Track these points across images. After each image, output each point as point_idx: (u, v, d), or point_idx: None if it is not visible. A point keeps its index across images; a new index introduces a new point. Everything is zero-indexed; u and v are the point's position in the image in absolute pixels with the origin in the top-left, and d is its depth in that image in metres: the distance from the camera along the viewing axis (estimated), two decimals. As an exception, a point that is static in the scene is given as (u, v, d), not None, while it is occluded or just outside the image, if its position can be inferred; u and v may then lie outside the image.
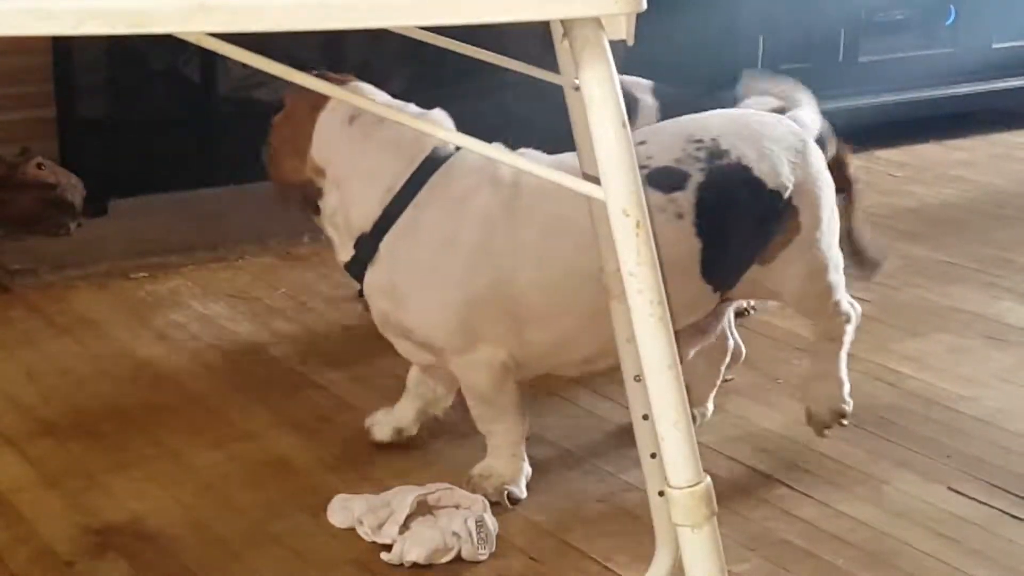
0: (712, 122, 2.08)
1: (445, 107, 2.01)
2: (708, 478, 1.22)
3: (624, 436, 2.11)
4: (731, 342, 2.28)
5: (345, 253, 2.03)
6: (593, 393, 2.36)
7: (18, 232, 3.33)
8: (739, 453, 2.14)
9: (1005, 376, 2.49)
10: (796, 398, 2.29)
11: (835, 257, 2.14)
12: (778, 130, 2.08)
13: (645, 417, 1.67)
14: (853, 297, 2.19)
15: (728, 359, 2.28)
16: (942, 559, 1.88)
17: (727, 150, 2.02)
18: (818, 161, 2.10)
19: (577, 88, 1.37)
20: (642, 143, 2.01)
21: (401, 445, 2.19)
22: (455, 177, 1.97)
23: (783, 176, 2.04)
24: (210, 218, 3.39)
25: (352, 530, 1.93)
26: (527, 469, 2.04)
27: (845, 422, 2.14)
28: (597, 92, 1.11)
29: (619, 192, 1.14)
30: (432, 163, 1.97)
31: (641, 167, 1.92)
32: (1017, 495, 2.04)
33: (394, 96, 2.07)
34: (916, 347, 2.64)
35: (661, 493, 1.70)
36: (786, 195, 2.04)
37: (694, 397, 2.24)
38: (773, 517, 1.97)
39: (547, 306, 1.97)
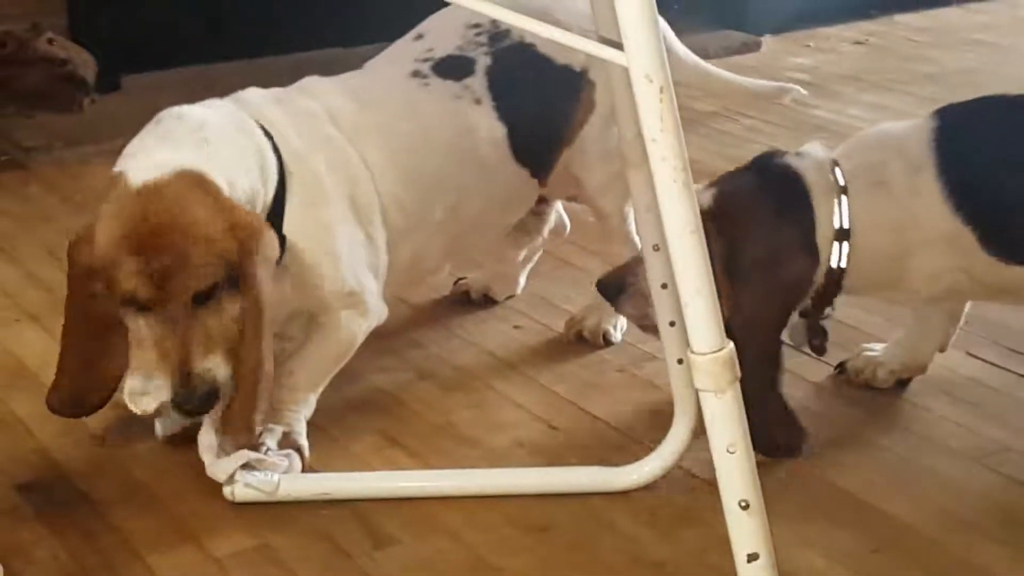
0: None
1: None
2: (731, 343, 1.23)
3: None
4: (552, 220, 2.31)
5: None
6: (604, 263, 2.36)
7: (29, 108, 3.32)
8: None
9: None
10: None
11: None
12: (570, 3, 2.03)
13: (664, 286, 1.68)
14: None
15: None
16: (959, 422, 1.90)
17: (507, 31, 2.01)
18: None
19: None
20: (420, 37, 2.03)
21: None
22: None
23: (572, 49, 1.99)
24: (223, 93, 3.37)
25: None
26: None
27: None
28: (620, -46, 1.10)
29: (642, 57, 1.13)
30: None
31: (424, 60, 1.99)
32: (1034, 359, 2.06)
33: None
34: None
35: (680, 361, 1.72)
36: (578, 68, 2.03)
37: (502, 287, 2.30)
38: (788, 383, 1.98)
39: None
